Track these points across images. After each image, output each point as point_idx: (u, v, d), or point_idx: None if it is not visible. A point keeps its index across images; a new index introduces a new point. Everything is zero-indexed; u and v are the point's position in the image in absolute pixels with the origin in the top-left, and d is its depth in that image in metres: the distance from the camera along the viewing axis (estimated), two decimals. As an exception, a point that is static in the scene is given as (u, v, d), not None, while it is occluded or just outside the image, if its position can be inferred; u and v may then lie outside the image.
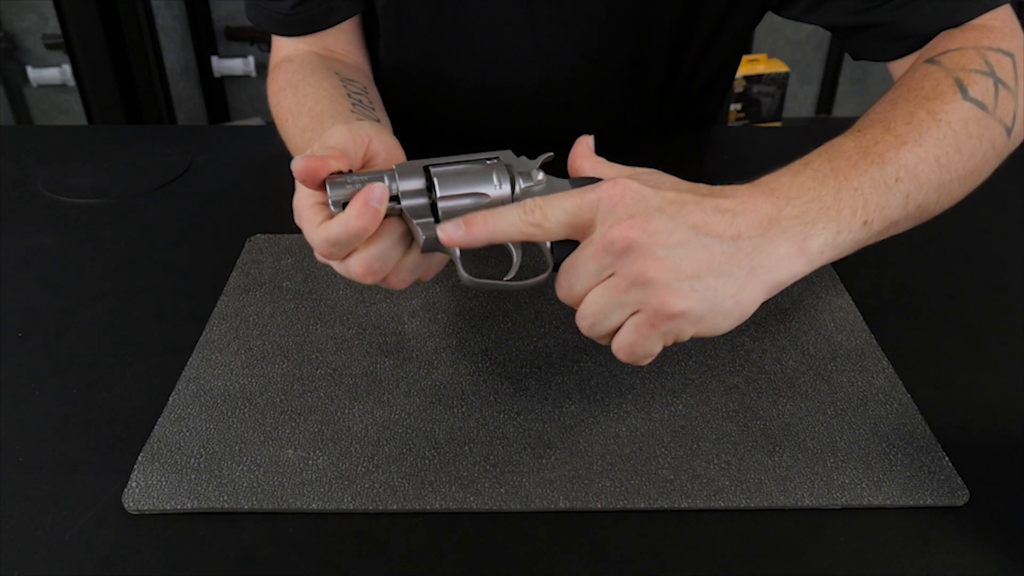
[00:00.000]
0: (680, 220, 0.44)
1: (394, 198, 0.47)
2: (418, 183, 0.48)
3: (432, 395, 0.54)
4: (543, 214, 0.45)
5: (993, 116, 0.53)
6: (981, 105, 0.53)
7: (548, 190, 0.49)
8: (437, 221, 0.48)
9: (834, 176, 0.47)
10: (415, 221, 0.47)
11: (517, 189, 0.48)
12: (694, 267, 0.43)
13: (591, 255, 0.45)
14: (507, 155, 0.50)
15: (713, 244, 0.44)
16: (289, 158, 0.52)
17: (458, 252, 0.49)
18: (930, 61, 0.57)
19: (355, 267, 0.48)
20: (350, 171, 0.49)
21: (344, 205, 0.47)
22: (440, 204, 0.47)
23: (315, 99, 0.64)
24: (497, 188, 0.48)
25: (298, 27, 0.77)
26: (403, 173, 0.48)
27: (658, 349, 0.46)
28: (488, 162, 0.49)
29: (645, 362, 0.47)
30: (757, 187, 0.46)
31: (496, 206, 0.47)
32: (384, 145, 0.51)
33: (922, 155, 0.50)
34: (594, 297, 0.45)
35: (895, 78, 0.67)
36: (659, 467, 0.48)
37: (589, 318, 0.46)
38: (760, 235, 0.44)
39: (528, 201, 0.46)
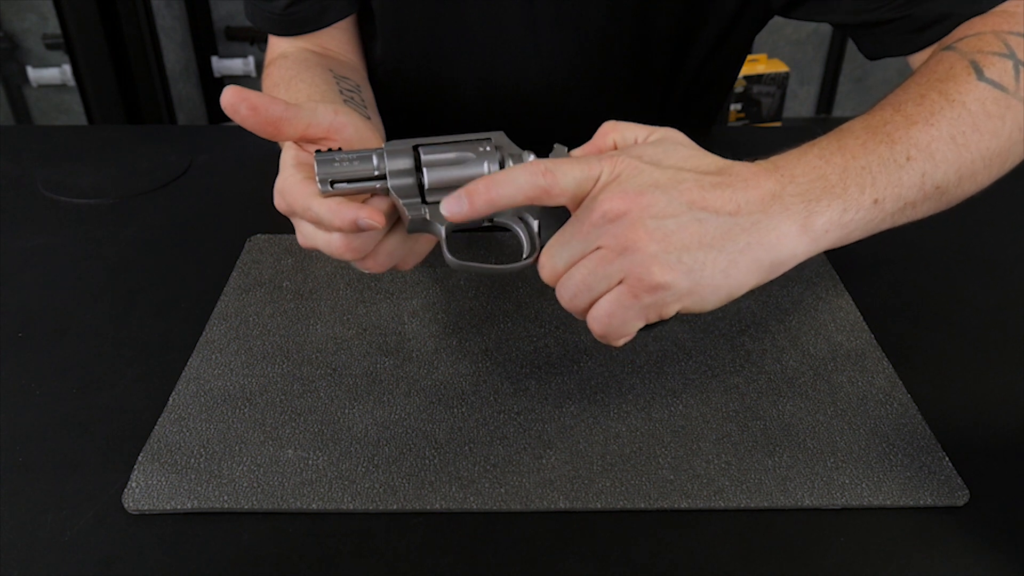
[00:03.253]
0: (675, 195, 0.43)
1: (381, 177, 0.48)
2: (406, 163, 0.48)
3: (432, 395, 0.54)
4: (554, 178, 0.44)
5: (1016, 97, 0.52)
6: (999, 86, 0.52)
7: None
8: (424, 202, 0.48)
9: (841, 154, 0.47)
10: (402, 201, 0.48)
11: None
12: (684, 239, 0.43)
13: (579, 230, 0.44)
14: (499, 136, 0.49)
15: (708, 218, 0.43)
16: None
17: (443, 233, 0.49)
18: (947, 48, 0.57)
19: (336, 242, 0.48)
20: (339, 148, 0.49)
21: (332, 183, 0.47)
22: (427, 184, 0.47)
23: (307, 95, 0.64)
24: (485, 169, 0.48)
25: (291, 27, 0.78)
26: (392, 153, 0.48)
27: (637, 326, 0.45)
28: (479, 144, 0.48)
29: (620, 342, 0.46)
30: (761, 165, 0.46)
31: None
32: (359, 137, 0.51)
33: (935, 134, 0.49)
34: (578, 268, 0.45)
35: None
36: (659, 467, 0.48)
37: (571, 288, 0.45)
38: (761, 211, 0.44)
39: (536, 162, 0.45)
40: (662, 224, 0.43)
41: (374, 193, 0.49)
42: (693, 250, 0.43)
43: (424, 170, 0.47)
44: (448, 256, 0.49)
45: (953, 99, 0.50)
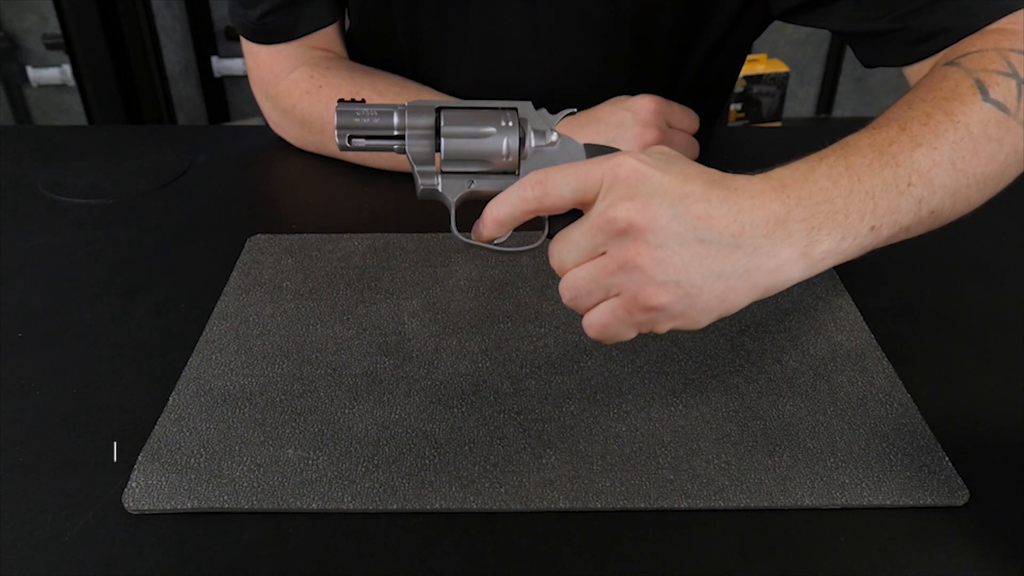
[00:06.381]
0: (681, 208, 0.43)
1: (400, 137, 0.47)
2: (427, 121, 0.47)
3: (432, 395, 0.53)
4: (544, 189, 0.45)
5: (1015, 119, 0.52)
6: (1002, 107, 0.51)
7: (560, 151, 0.48)
8: (439, 171, 0.48)
9: (848, 176, 0.46)
10: (416, 169, 0.47)
11: (528, 146, 0.47)
12: (684, 261, 0.43)
13: (587, 231, 0.44)
14: (525, 107, 0.49)
15: (711, 239, 0.43)
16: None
17: (453, 209, 0.49)
18: (950, 63, 0.56)
19: None
20: (363, 100, 0.49)
21: (350, 138, 0.47)
22: (444, 154, 0.47)
23: (401, 81, 0.73)
24: (504, 146, 0.47)
25: (263, 36, 0.79)
26: (414, 111, 0.47)
27: (630, 336, 0.46)
28: (502, 117, 0.48)
29: (611, 342, 0.47)
30: (769, 181, 0.45)
31: (500, 161, 0.47)
32: None
33: (937, 159, 0.48)
34: (581, 272, 0.45)
35: (911, 84, 0.66)
36: (659, 467, 0.48)
37: (572, 290, 0.46)
38: (764, 236, 0.44)
39: (531, 175, 0.45)
40: (665, 242, 0.43)
41: (390, 151, 0.49)
42: (692, 274, 0.43)
43: (443, 139, 0.47)
44: (456, 233, 0.49)
45: (958, 120, 0.50)
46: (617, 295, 0.45)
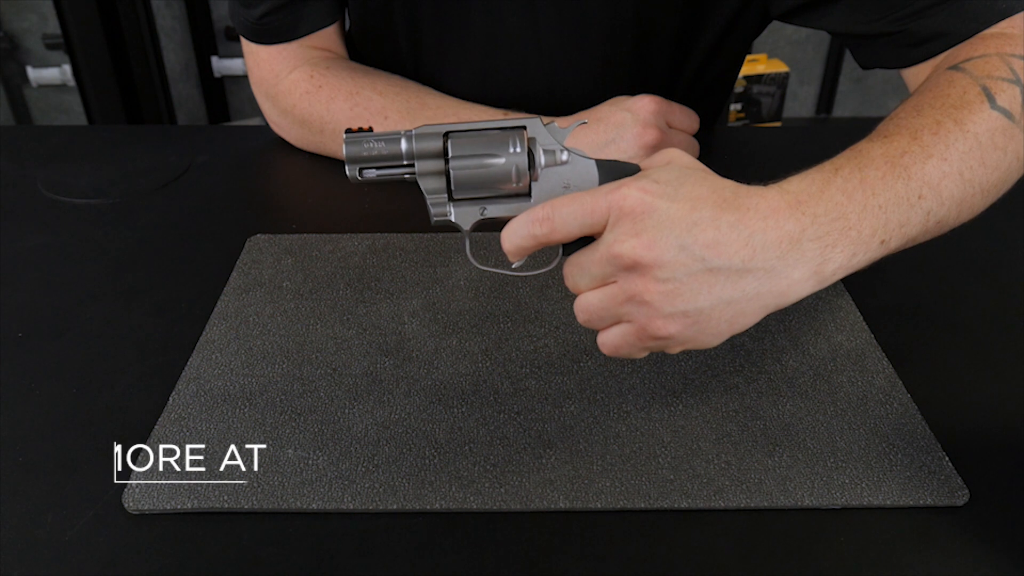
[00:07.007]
0: (689, 240, 0.43)
1: (409, 164, 0.47)
2: (435, 146, 0.47)
3: (432, 395, 0.54)
4: (551, 226, 0.46)
5: (1019, 126, 0.52)
6: (1008, 114, 0.51)
7: (571, 170, 0.48)
8: (450, 199, 0.48)
9: (862, 190, 0.46)
10: (428, 199, 0.48)
11: (538, 167, 0.47)
12: (693, 292, 0.43)
13: (596, 260, 0.45)
14: (534, 125, 0.48)
15: (721, 267, 0.43)
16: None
17: (468, 239, 0.50)
18: (954, 68, 0.56)
19: None
20: (370, 128, 0.48)
21: (361, 170, 0.47)
22: (454, 184, 0.47)
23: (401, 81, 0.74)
24: (513, 172, 0.47)
25: (263, 36, 0.79)
26: (421, 136, 0.47)
27: (641, 356, 0.48)
28: (510, 141, 0.47)
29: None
30: (784, 196, 0.45)
31: (509, 187, 0.48)
32: None
33: (947, 170, 0.48)
34: (593, 298, 0.46)
35: (910, 86, 0.66)
36: (659, 467, 0.48)
37: (585, 313, 0.47)
38: (777, 257, 0.43)
39: (537, 209, 0.46)
40: (673, 276, 0.43)
41: (401, 180, 0.49)
42: (700, 303, 0.43)
43: (451, 169, 0.47)
44: (471, 259, 0.50)
45: (967, 129, 0.50)
46: (628, 322, 0.45)
